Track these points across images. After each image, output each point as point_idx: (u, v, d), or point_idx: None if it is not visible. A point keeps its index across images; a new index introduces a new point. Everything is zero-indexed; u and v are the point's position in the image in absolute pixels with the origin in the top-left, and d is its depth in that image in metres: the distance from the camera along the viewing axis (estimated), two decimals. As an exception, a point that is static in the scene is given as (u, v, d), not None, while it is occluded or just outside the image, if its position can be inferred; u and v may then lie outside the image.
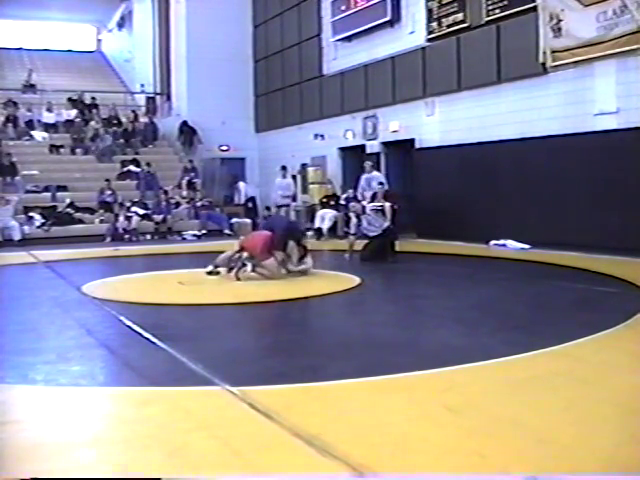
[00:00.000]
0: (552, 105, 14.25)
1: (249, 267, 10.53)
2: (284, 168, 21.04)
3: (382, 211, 13.78)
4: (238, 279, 10.38)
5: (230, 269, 10.50)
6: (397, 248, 13.51)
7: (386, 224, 13.44)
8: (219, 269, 10.81)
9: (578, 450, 3.70)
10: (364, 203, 14.08)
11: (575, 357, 5.67)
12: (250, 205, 22.20)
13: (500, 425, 4.06)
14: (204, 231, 20.20)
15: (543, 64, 14.08)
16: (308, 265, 11.18)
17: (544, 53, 13.99)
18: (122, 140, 24.43)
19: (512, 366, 5.40)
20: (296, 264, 11.03)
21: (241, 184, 23.14)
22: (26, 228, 18.74)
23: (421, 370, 5.27)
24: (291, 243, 10.98)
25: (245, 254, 10.72)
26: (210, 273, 10.79)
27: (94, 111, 25.86)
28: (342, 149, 21.08)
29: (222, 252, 11.08)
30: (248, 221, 20.27)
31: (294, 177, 22.10)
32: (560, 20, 13.62)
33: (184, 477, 3.46)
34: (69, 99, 26.10)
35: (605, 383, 4.97)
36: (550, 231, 14.04)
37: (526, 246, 14.22)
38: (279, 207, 20.70)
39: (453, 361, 5.45)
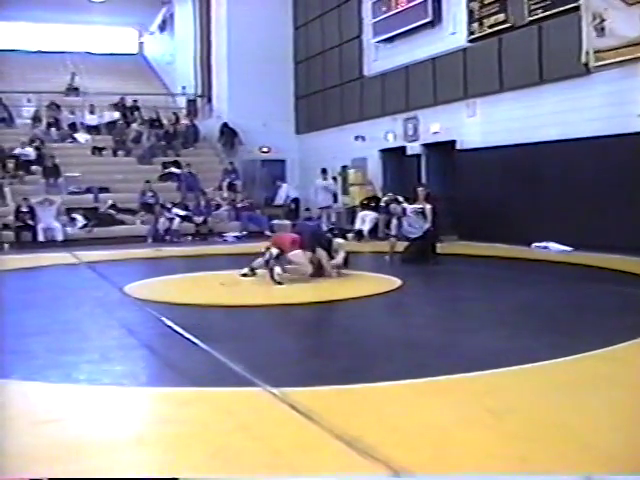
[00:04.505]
0: (595, 106, 14.07)
1: (278, 269, 10.46)
2: (324, 171, 21.10)
3: (423, 213, 13.71)
4: (279, 283, 10.29)
5: (271, 270, 10.46)
6: (438, 250, 13.47)
7: (427, 226, 13.39)
8: (256, 271, 10.81)
9: (623, 455, 3.65)
10: (405, 205, 14.00)
11: (620, 361, 5.60)
12: (293, 206, 22.22)
13: (542, 429, 4.01)
14: (245, 232, 20.23)
15: (586, 64, 13.91)
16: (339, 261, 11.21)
17: (587, 53, 13.81)
18: (163, 142, 24.59)
19: (555, 369, 5.34)
20: (330, 268, 11.03)
21: (283, 185, 23.15)
22: (69, 229, 18.94)
23: (462, 373, 5.22)
24: (320, 250, 11.00)
25: (275, 250, 10.71)
26: (244, 275, 10.81)
27: (136, 113, 26.10)
28: (383, 151, 21.00)
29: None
30: (288, 222, 20.26)
31: (334, 179, 22.11)
32: (604, 20, 13.45)
33: (201, 477, 3.47)
34: (111, 104, 26.31)
35: (651, 387, 4.90)
36: (593, 233, 13.86)
37: (569, 248, 14.08)
38: (321, 209, 20.74)
39: (495, 364, 5.40)
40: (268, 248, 10.82)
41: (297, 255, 10.68)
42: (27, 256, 15.40)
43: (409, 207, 13.79)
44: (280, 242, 10.96)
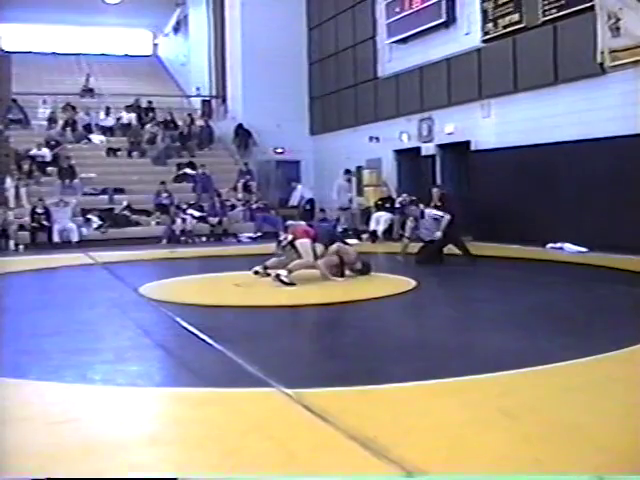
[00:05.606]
0: (611, 106, 14.00)
1: (283, 271, 10.37)
2: (348, 172, 21.00)
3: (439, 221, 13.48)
4: (292, 284, 10.21)
5: (277, 275, 10.41)
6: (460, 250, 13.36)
7: (438, 234, 13.15)
8: (269, 271, 10.77)
9: (638, 456, 3.64)
10: (422, 207, 13.91)
11: (634, 362, 5.58)
12: (308, 207, 22.17)
13: (557, 430, 4.00)
14: (259, 233, 20.23)
15: (601, 64, 13.84)
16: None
17: (602, 53, 13.73)
18: (178, 143, 24.64)
19: (569, 371, 5.32)
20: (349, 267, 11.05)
21: (298, 186, 23.14)
22: (84, 230, 19.01)
23: (477, 374, 5.21)
24: (333, 247, 11.01)
25: (290, 236, 10.75)
26: (257, 273, 10.79)
27: (150, 115, 26.18)
28: (397, 151, 20.97)
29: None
30: (303, 224, 20.21)
31: (349, 180, 22.10)
32: (618, 19, 13.38)
33: (201, 477, 3.48)
34: (126, 106, 26.40)
35: (666, 389, 4.88)
36: (609, 234, 13.80)
37: (584, 249, 14.03)
38: (342, 210, 20.64)
39: (509, 365, 5.40)
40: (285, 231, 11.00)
41: (304, 243, 10.65)
42: (42, 257, 15.48)
43: (428, 212, 13.61)
44: (294, 230, 11.11)
